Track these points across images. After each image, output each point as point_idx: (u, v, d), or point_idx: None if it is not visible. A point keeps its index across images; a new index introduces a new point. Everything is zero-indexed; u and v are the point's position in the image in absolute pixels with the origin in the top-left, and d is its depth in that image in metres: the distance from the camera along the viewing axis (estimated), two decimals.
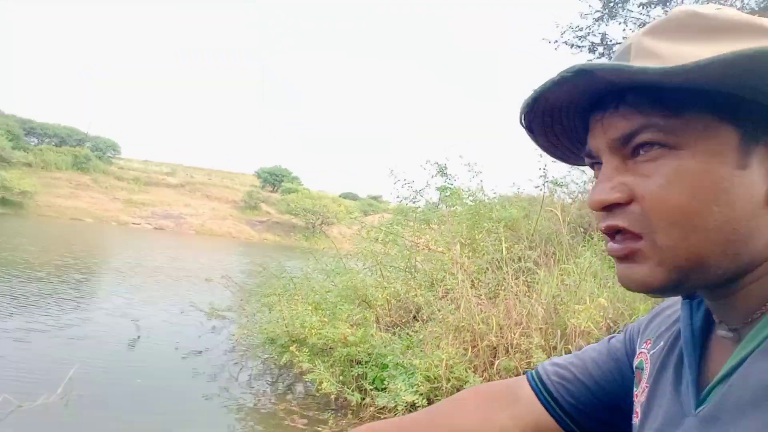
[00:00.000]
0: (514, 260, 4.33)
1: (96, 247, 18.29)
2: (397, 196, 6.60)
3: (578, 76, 0.53)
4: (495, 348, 3.55)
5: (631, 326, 0.85)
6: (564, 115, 0.63)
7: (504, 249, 4.37)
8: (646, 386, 0.70)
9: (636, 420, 0.71)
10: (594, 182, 0.62)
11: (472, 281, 4.13)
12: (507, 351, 3.47)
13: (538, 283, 3.89)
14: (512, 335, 3.48)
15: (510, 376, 3.37)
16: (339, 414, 3.71)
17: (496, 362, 3.45)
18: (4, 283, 7.84)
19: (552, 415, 0.84)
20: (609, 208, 0.55)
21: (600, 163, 0.60)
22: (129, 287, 9.26)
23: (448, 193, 6.13)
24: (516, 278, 4.02)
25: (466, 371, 3.38)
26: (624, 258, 0.55)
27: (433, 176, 6.02)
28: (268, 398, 4.08)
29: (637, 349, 0.78)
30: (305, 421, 3.58)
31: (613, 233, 0.56)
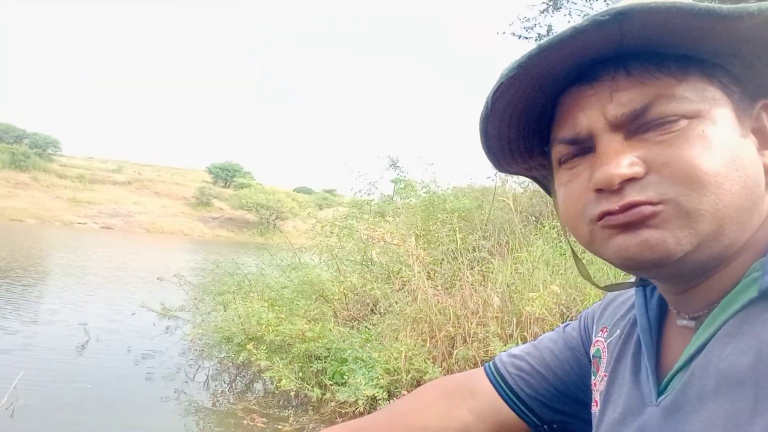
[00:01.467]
0: (468, 250, 4.38)
1: (39, 249, 17.55)
2: (352, 189, 6.60)
3: (614, 21, 0.47)
4: (453, 338, 3.59)
5: (585, 313, 0.85)
6: (539, 91, 0.57)
7: (458, 239, 4.42)
8: (605, 375, 0.70)
9: (595, 409, 0.70)
10: (565, 179, 0.58)
11: (428, 272, 4.15)
12: (465, 340, 3.51)
13: (492, 273, 3.95)
14: (469, 325, 3.52)
15: (469, 366, 3.42)
16: (299, 410, 3.69)
17: (455, 352, 3.49)
18: None
19: (511, 408, 0.84)
20: (620, 186, 0.50)
21: (582, 151, 0.56)
22: (76, 290, 8.93)
23: (402, 185, 6.16)
24: (471, 268, 4.07)
25: (425, 362, 3.40)
26: (637, 224, 0.51)
27: (386, 169, 6.04)
28: (226, 398, 4.02)
29: (593, 338, 0.78)
30: (265, 419, 3.54)
31: (626, 210, 0.51)
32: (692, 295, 0.56)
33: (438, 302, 3.73)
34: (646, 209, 0.50)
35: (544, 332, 3.61)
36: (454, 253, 4.37)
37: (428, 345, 3.58)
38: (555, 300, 3.48)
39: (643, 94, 0.51)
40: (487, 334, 3.37)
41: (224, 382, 4.36)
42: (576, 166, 0.56)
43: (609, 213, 0.52)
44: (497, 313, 3.50)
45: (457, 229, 4.58)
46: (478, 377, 0.89)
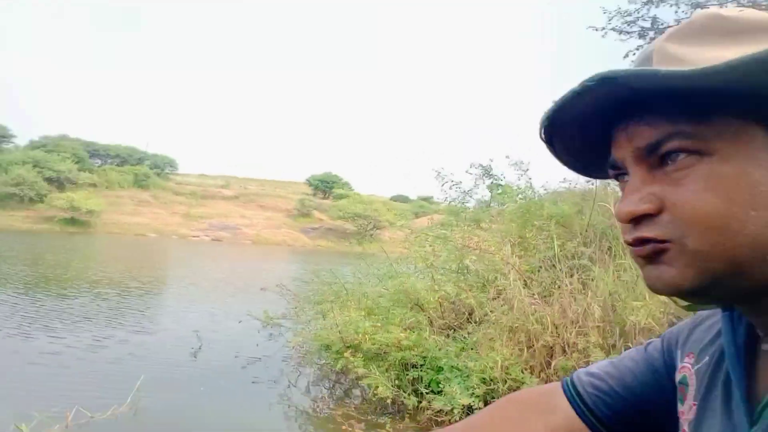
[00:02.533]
0: (567, 257, 4.24)
1: (159, 262, 18.99)
2: (446, 198, 6.59)
3: (602, 84, 0.52)
4: (551, 348, 3.48)
5: (669, 334, 0.81)
6: (585, 127, 0.61)
7: (556, 246, 4.28)
8: (694, 404, 0.68)
9: None
10: (621, 194, 0.61)
11: (525, 281, 4.06)
12: (564, 351, 3.40)
13: (593, 280, 3.79)
14: (568, 334, 3.40)
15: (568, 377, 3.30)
16: (396, 418, 3.72)
17: (553, 362, 3.39)
18: (76, 299, 8.25)
19: (589, 426, 0.82)
20: (637, 219, 0.53)
21: (625, 174, 0.59)
22: (190, 299, 9.58)
23: (499, 191, 6.07)
24: (570, 276, 3.93)
25: (522, 372, 3.33)
26: (652, 258, 0.53)
27: (480, 177, 5.99)
28: (326, 403, 4.14)
29: (678, 363, 0.75)
30: (363, 425, 3.61)
31: (639, 243, 0.54)
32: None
33: (535, 311, 3.64)
34: (654, 247, 0.52)
35: (649, 340, 3.42)
36: (551, 260, 4.25)
37: (525, 354, 3.50)
38: (663, 309, 3.29)
39: (661, 130, 0.53)
40: (588, 344, 3.24)
41: (324, 388, 4.49)
42: (622, 186, 0.60)
43: (628, 243, 0.55)
44: (598, 322, 3.36)
45: (555, 235, 4.44)
46: (556, 393, 0.88)
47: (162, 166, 61.34)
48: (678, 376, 0.74)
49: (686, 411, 0.69)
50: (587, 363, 3.22)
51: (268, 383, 4.59)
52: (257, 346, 5.71)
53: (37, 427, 3.03)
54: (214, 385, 4.42)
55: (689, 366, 0.72)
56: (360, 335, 4.01)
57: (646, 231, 0.53)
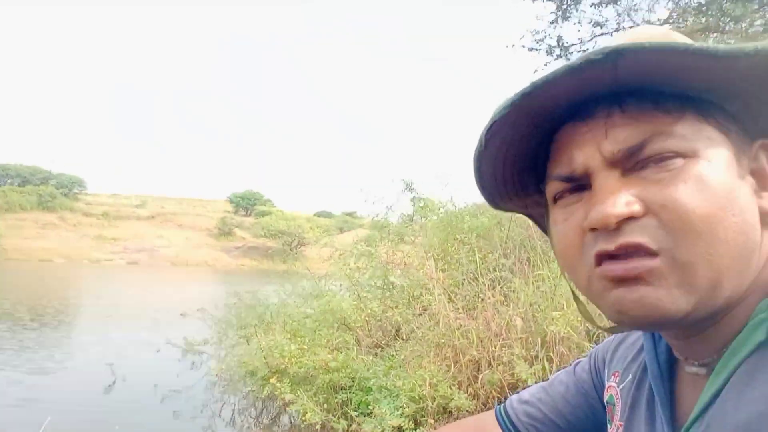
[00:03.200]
0: (489, 270, 4.33)
1: (66, 290, 17.83)
2: (368, 214, 6.59)
3: (608, 60, 0.46)
4: (477, 362, 3.52)
5: (594, 352, 0.82)
6: (537, 126, 0.55)
7: (478, 260, 4.36)
8: (620, 424, 0.68)
9: None
10: (556, 216, 0.56)
11: (449, 295, 4.10)
12: (489, 364, 3.44)
13: (514, 292, 3.89)
14: (493, 347, 3.45)
15: (494, 390, 3.35)
16: None
17: (480, 376, 3.42)
18: None
19: None
20: (618, 224, 0.48)
21: (578, 188, 0.54)
22: (102, 330, 9.03)
23: (421, 204, 6.13)
24: (492, 288, 4.01)
25: (451, 388, 3.34)
26: (634, 280, 0.48)
27: (402, 191, 6.03)
28: None
29: (606, 382, 0.75)
30: None
31: (610, 255, 0.49)
32: (698, 342, 0.54)
33: (460, 326, 3.67)
34: (646, 264, 0.47)
35: (569, 351, 3.51)
36: (474, 273, 4.32)
37: (453, 370, 3.52)
38: (579, 318, 3.41)
39: (639, 131, 0.49)
40: (512, 357, 3.30)
41: (250, 417, 4.34)
42: (571, 204, 0.54)
43: (605, 254, 0.49)
44: (521, 334, 3.44)
45: (476, 249, 4.53)
46: (489, 423, 0.87)
47: (69, 186, 58.04)
48: (606, 396, 0.74)
49: (614, 430, 0.69)
50: (513, 375, 3.28)
51: (191, 416, 4.37)
52: (177, 377, 5.44)
53: None
54: (130, 423, 4.16)
55: (615, 385, 0.72)
56: (286, 359, 3.91)
57: (636, 236, 0.48)
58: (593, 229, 0.50)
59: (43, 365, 6.02)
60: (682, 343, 0.57)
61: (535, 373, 3.15)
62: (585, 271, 0.53)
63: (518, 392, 0.91)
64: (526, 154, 0.58)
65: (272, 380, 3.74)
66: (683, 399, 0.58)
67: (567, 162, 0.54)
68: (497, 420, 0.87)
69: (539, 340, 3.41)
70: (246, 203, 64.57)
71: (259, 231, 50.66)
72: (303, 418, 3.53)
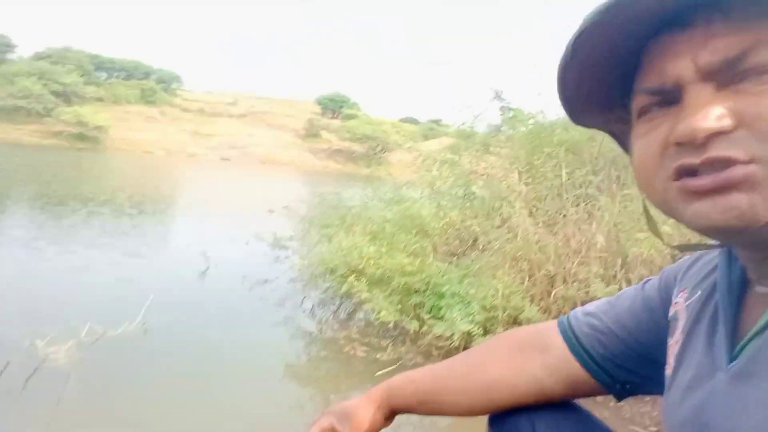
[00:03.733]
0: (575, 186, 4.18)
1: (166, 181, 19.09)
2: (454, 122, 6.46)
3: None
4: (553, 277, 3.51)
5: (667, 271, 0.80)
6: (627, 37, 0.52)
7: (565, 174, 4.22)
8: (680, 338, 0.67)
9: (669, 371, 0.68)
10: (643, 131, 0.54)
11: (530, 209, 4.04)
12: (565, 280, 3.43)
13: (599, 210, 3.76)
14: (570, 264, 3.42)
15: (567, 305, 3.35)
16: (398, 341, 3.83)
17: (554, 291, 3.42)
18: (89, 218, 8.37)
19: (584, 366, 0.83)
20: (706, 138, 0.46)
21: (666, 102, 0.51)
22: (196, 221, 9.69)
23: (510, 115, 5.93)
24: (576, 205, 3.90)
25: (523, 300, 3.38)
26: (727, 188, 0.46)
27: (492, 99, 5.83)
28: (330, 326, 4.25)
29: (673, 299, 0.74)
30: (365, 348, 3.72)
31: (712, 165, 0.47)
32: None
33: (539, 240, 3.64)
34: (740, 171, 0.45)
35: (651, 275, 3.44)
36: (558, 188, 4.20)
37: (527, 283, 3.54)
38: (666, 241, 3.28)
39: (741, 40, 0.46)
40: (589, 275, 3.26)
41: (328, 311, 4.60)
42: (656, 118, 0.52)
43: (689, 169, 0.48)
44: (601, 253, 3.36)
45: (563, 163, 4.37)
46: (552, 332, 0.88)
47: (168, 81, 60.39)
48: (671, 312, 0.73)
49: (674, 344, 0.69)
50: (587, 293, 3.25)
51: (275, 304, 4.69)
52: (264, 268, 5.81)
53: (51, 343, 3.13)
54: (222, 306, 4.53)
55: (681, 301, 0.71)
56: (364, 259, 4.05)
57: (723, 149, 0.46)
58: (678, 144, 0.48)
59: (140, 250, 6.59)
60: (758, 263, 0.56)
61: (611, 293, 3.09)
62: (661, 185, 0.51)
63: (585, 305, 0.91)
64: (615, 65, 0.55)
65: (350, 278, 3.91)
66: (748, 317, 0.57)
67: (658, 73, 0.51)
68: (559, 329, 0.88)
69: (620, 260, 3.33)
70: (333, 105, 64.92)
71: (344, 134, 51.18)
72: (377, 316, 3.70)
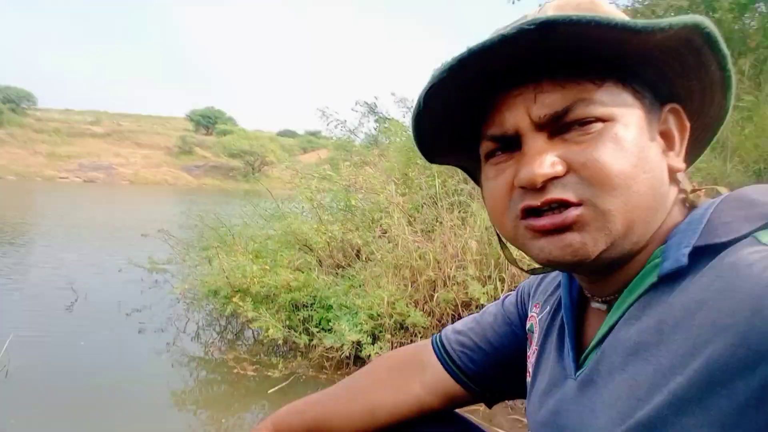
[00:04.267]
0: (448, 194, 4.43)
1: (22, 207, 17.40)
2: (332, 136, 6.58)
3: (539, 30, 0.50)
4: (434, 282, 3.69)
5: (522, 286, 0.92)
6: (470, 89, 0.59)
7: (438, 184, 4.45)
8: (536, 349, 0.79)
9: (529, 379, 0.80)
10: (488, 171, 0.63)
11: (408, 219, 4.22)
12: (445, 284, 3.62)
13: (472, 216, 4.02)
14: (449, 269, 3.61)
15: (449, 307, 3.54)
16: (288, 357, 3.82)
17: (436, 295, 3.60)
18: None
19: (456, 381, 0.93)
20: (544, 183, 0.55)
21: (508, 147, 0.60)
22: (62, 248, 8.94)
23: (387, 125, 6.13)
24: (450, 212, 4.13)
25: (408, 306, 3.51)
26: (562, 228, 0.55)
27: (364, 114, 6.02)
28: (217, 348, 4.14)
29: (529, 312, 0.86)
30: (255, 367, 3.67)
31: (538, 210, 0.56)
32: (603, 282, 0.64)
33: (418, 248, 3.81)
34: (572, 213, 0.54)
35: (521, 273, 3.72)
36: (433, 197, 4.42)
37: (410, 289, 3.68)
38: (520, 265, 3.57)
39: (563, 97, 0.55)
40: (467, 277, 3.47)
41: (214, 332, 4.48)
42: (501, 162, 0.61)
43: (531, 209, 0.57)
44: (476, 256, 3.59)
45: (436, 173, 4.61)
46: (426, 352, 0.98)
47: (17, 101, 55.08)
48: (528, 324, 0.85)
49: (531, 355, 0.81)
50: (466, 294, 3.46)
51: (156, 331, 4.48)
52: (142, 293, 5.52)
53: None
54: (95, 339, 4.24)
55: (535, 315, 0.83)
56: (248, 279, 4.00)
57: (558, 192, 0.54)
58: (522, 187, 0.57)
59: (2, 282, 5.99)
60: (591, 283, 0.66)
61: (487, 293, 3.33)
62: (511, 222, 0.60)
63: (455, 322, 1.02)
64: (462, 115, 0.63)
65: (235, 299, 3.85)
66: (588, 330, 0.68)
67: (499, 123, 0.59)
68: (432, 348, 0.97)
69: (493, 261, 3.57)
70: (207, 121, 62.74)
71: (220, 150, 49.65)
72: (266, 334, 3.68)
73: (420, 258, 3.77)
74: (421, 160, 4.81)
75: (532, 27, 0.50)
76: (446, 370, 0.93)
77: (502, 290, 3.40)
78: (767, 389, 0.42)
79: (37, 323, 4.51)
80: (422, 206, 4.38)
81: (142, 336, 4.39)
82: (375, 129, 6.73)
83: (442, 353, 0.95)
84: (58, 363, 3.70)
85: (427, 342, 1.01)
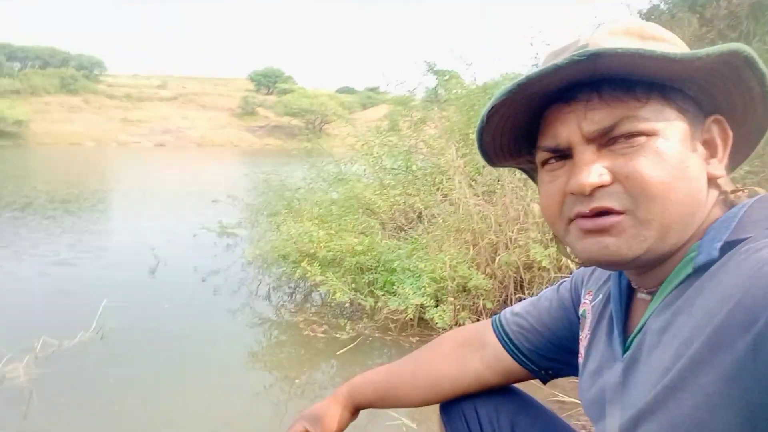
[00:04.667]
0: None
1: (100, 173, 18.42)
2: (392, 97, 6.57)
3: (588, 60, 0.57)
4: (495, 245, 3.71)
5: (576, 274, 0.98)
6: (528, 107, 0.67)
7: None
8: (588, 333, 0.85)
9: (581, 360, 0.87)
10: (546, 178, 0.70)
11: (469, 182, 4.21)
12: (507, 246, 3.63)
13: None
14: (510, 231, 3.62)
15: (511, 270, 3.56)
16: (355, 319, 3.98)
17: (497, 258, 3.63)
18: (16, 219, 8.06)
19: (514, 359, 1.02)
20: (591, 191, 0.62)
21: (561, 158, 0.67)
22: (140, 213, 9.47)
23: (446, 77, 6.06)
24: (512, 174, 4.09)
25: (469, 269, 3.56)
26: (602, 231, 0.62)
27: (425, 74, 5.96)
28: (287, 309, 4.35)
29: (582, 299, 0.91)
30: (323, 328, 3.85)
31: (596, 214, 0.62)
32: (647, 276, 0.71)
33: (479, 211, 3.82)
34: (611, 220, 0.62)
35: None
36: None
37: (472, 252, 3.72)
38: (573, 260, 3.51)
39: (611, 114, 0.62)
40: (528, 240, 3.47)
41: (285, 294, 4.69)
42: (556, 170, 0.69)
43: (581, 214, 0.64)
44: (538, 218, 3.58)
45: None
46: (487, 331, 1.06)
47: (89, 68, 57.42)
48: (580, 310, 0.91)
49: (583, 338, 0.87)
50: (528, 257, 3.47)
51: (230, 294, 4.74)
52: (215, 257, 5.82)
53: (6, 363, 3.11)
54: (177, 301, 4.54)
55: (588, 302, 0.89)
56: (315, 244, 4.15)
57: (606, 201, 0.61)
58: (573, 193, 0.64)
59: (92, 249, 6.45)
60: (637, 277, 0.73)
61: (549, 255, 3.32)
62: (563, 223, 0.68)
63: (512, 306, 1.09)
64: (521, 127, 0.71)
65: (303, 263, 4.00)
66: (634, 317, 0.75)
67: (553, 136, 0.67)
68: (492, 329, 1.06)
69: None
70: (267, 81, 63.54)
71: (282, 109, 50.33)
72: (333, 297, 3.82)
73: (481, 221, 3.78)
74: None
75: (582, 58, 0.57)
76: (505, 348, 1.03)
77: None
78: (759, 342, 0.48)
79: (124, 288, 4.85)
80: (483, 167, 4.35)
81: (218, 298, 4.66)
82: (435, 85, 6.66)
83: (502, 333, 1.04)
84: (146, 326, 4.01)
85: (488, 322, 1.11)
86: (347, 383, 1.14)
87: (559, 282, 1.03)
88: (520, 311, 1.04)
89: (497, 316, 1.08)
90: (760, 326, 0.48)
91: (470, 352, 1.07)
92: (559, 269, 3.39)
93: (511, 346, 1.01)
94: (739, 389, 0.49)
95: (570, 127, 0.64)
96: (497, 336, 1.04)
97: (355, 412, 1.12)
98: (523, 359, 1.01)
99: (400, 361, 1.14)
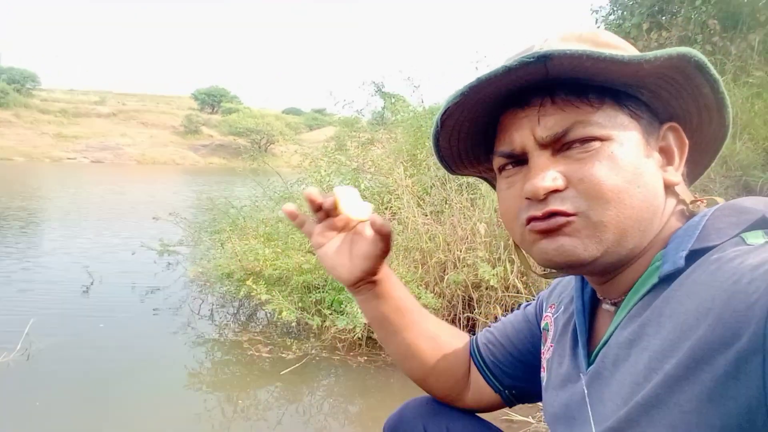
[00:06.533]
0: (457, 176, 4.45)
1: (34, 190, 17.53)
2: (338, 115, 6.59)
3: (538, 62, 0.57)
4: (444, 264, 3.74)
5: (541, 294, 0.99)
6: (481, 112, 0.67)
7: None
8: (551, 345, 0.85)
9: (543, 374, 0.86)
10: (502, 183, 0.69)
11: (417, 201, 4.25)
12: (455, 265, 3.66)
13: (481, 198, 4.05)
14: (459, 251, 3.66)
15: (459, 289, 3.59)
16: (301, 338, 3.90)
17: (446, 277, 3.65)
18: None
19: (480, 373, 1.01)
20: (545, 195, 0.61)
21: (517, 163, 0.67)
22: (74, 232, 9.04)
23: (393, 101, 6.13)
24: (460, 194, 4.16)
25: (418, 288, 3.57)
26: (554, 231, 0.62)
27: (371, 94, 6.02)
28: (231, 329, 4.22)
29: (544, 313, 0.92)
30: (269, 348, 3.75)
31: (548, 217, 0.62)
32: (611, 285, 0.70)
33: (428, 230, 3.85)
34: (561, 219, 0.61)
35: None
36: (442, 178, 4.45)
37: (420, 271, 3.73)
38: (535, 271, 3.60)
39: (564, 119, 0.62)
40: (476, 259, 3.51)
41: (228, 314, 4.56)
42: (512, 175, 0.68)
43: (534, 218, 0.64)
44: (485, 238, 3.63)
45: None
46: (465, 342, 1.07)
47: (21, 81, 55.04)
48: (542, 323, 0.91)
49: (546, 351, 0.87)
50: (476, 276, 3.51)
51: (170, 313, 4.57)
52: (155, 276, 5.61)
53: None
54: (113, 320, 4.34)
55: (550, 315, 0.89)
56: (261, 262, 4.06)
57: (557, 205, 0.61)
58: (528, 199, 0.64)
59: (21, 267, 6.09)
60: (600, 286, 0.72)
61: (497, 274, 3.37)
62: (519, 229, 0.67)
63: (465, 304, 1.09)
64: (477, 132, 0.72)
65: (248, 282, 3.91)
66: (599, 330, 0.74)
67: (508, 142, 0.67)
68: (469, 341, 1.06)
69: (502, 243, 3.61)
70: (212, 100, 62.64)
71: (226, 128, 49.63)
72: (279, 316, 3.74)
73: (430, 240, 3.81)
74: (429, 141, 4.83)
75: (532, 60, 0.57)
76: (473, 361, 1.03)
77: (512, 272, 3.45)
78: (741, 361, 0.46)
79: (55, 307, 4.60)
80: (431, 187, 4.41)
81: (158, 317, 4.48)
82: (382, 107, 6.73)
83: (474, 348, 1.04)
84: (78, 346, 3.79)
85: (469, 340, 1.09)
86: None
87: (524, 304, 1.04)
88: (491, 329, 1.04)
89: (480, 332, 1.09)
90: (743, 344, 0.46)
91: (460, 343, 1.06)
92: (507, 288, 3.45)
93: (478, 358, 1.01)
94: (718, 408, 0.48)
95: (524, 132, 0.64)
96: (470, 351, 1.03)
97: (378, 277, 0.98)
98: (488, 374, 0.99)
99: (417, 304, 1.04)
